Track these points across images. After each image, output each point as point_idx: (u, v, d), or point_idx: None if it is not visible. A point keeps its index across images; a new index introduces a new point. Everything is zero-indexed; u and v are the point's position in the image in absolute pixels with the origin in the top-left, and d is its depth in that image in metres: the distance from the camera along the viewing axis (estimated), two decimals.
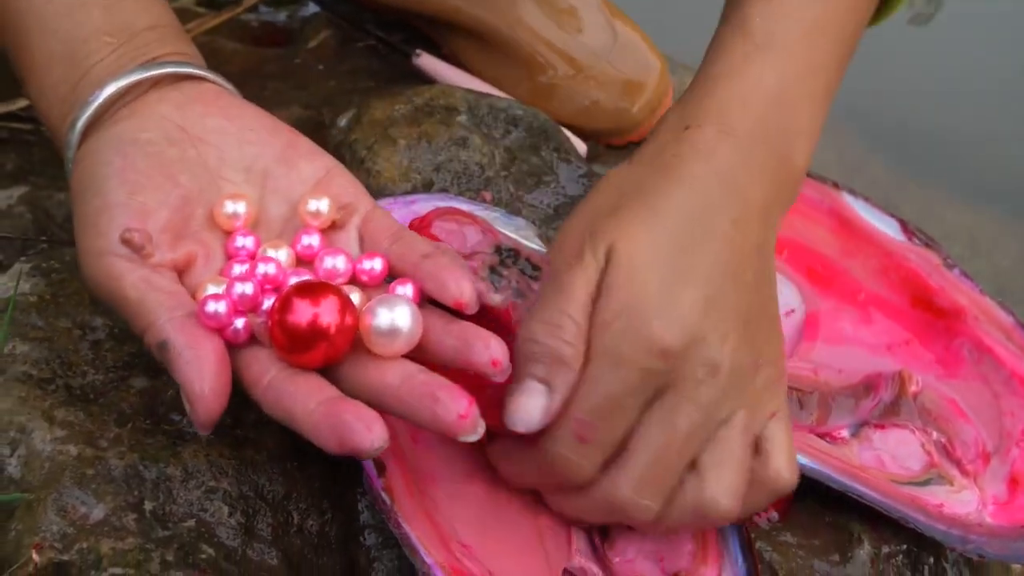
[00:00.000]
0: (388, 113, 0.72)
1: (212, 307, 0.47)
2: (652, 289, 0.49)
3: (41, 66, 0.54)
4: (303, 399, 0.46)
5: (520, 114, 0.74)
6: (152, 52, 0.54)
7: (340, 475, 0.54)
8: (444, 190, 0.69)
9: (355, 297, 0.50)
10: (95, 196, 0.50)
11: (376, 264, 0.51)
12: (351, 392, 0.47)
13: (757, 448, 0.51)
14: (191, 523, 0.51)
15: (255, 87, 0.81)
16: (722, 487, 0.49)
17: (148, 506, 0.51)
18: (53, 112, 0.54)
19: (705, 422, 0.49)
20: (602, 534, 0.54)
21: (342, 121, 0.73)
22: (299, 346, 0.47)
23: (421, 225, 0.61)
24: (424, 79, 0.85)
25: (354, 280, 0.51)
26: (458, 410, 0.45)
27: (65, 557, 0.47)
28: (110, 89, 0.52)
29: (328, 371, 0.48)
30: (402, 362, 0.48)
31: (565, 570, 0.50)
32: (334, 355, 0.48)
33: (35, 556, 0.46)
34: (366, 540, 0.53)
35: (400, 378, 0.47)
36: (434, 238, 0.60)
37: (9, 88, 0.57)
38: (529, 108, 0.76)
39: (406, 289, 0.50)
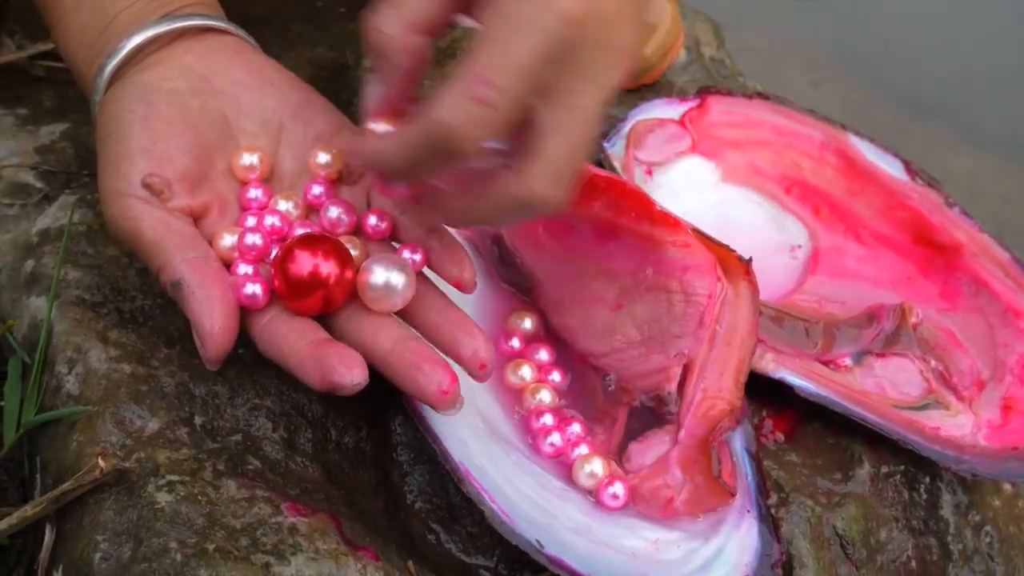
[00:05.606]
0: None
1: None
2: None
3: (68, 10, 0.56)
4: (294, 339, 0.49)
5: None
6: (176, 2, 0.56)
7: (375, 397, 0.57)
8: None
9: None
10: (118, 141, 0.52)
11: (380, 221, 0.53)
12: (344, 343, 0.50)
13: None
14: (238, 437, 0.54)
15: (279, 29, 0.83)
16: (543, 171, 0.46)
17: (198, 420, 0.54)
18: (79, 56, 0.56)
19: (603, 104, 0.47)
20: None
21: (368, 62, 0.74)
22: (298, 293, 0.50)
23: None
24: None
25: (358, 233, 0.53)
26: (440, 385, 0.48)
27: (126, 465, 0.51)
28: (138, 39, 0.54)
29: (326, 322, 0.51)
30: (397, 324, 0.50)
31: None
32: (331, 304, 0.50)
33: (100, 462, 0.49)
34: (399, 456, 0.56)
35: (392, 342, 0.49)
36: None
37: (43, 29, 0.58)
38: None
39: (415, 256, 0.52)
